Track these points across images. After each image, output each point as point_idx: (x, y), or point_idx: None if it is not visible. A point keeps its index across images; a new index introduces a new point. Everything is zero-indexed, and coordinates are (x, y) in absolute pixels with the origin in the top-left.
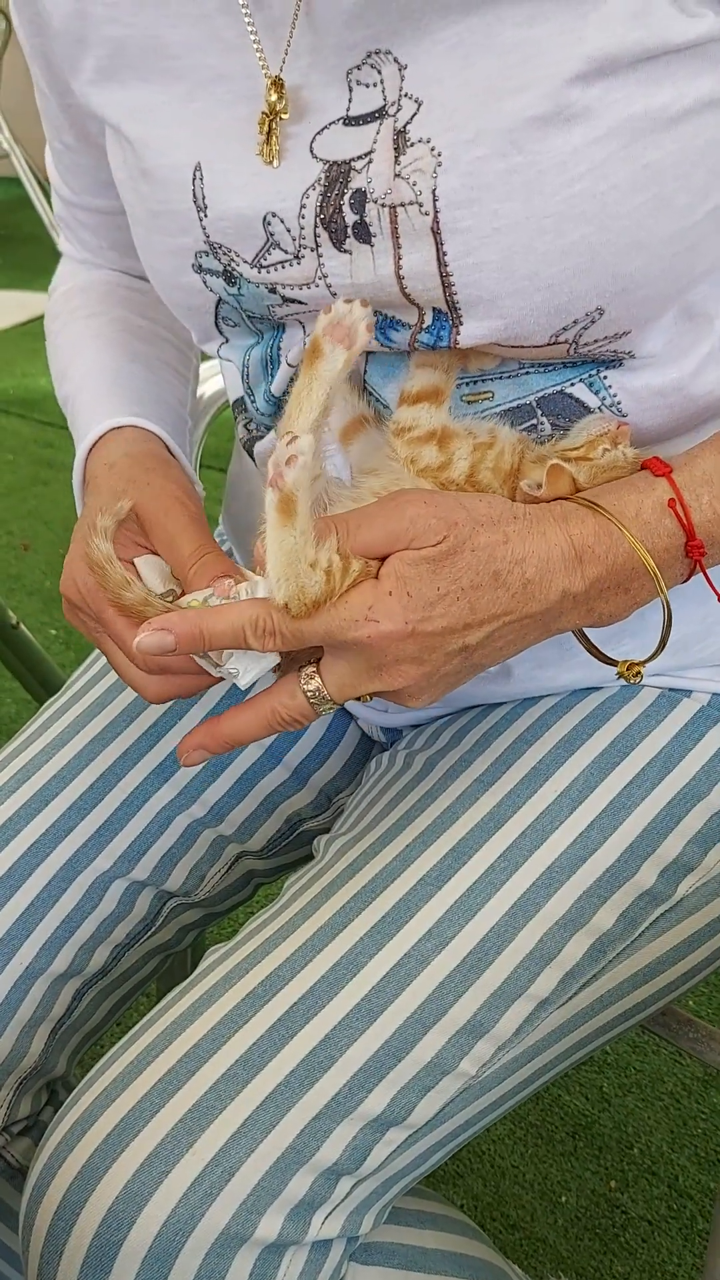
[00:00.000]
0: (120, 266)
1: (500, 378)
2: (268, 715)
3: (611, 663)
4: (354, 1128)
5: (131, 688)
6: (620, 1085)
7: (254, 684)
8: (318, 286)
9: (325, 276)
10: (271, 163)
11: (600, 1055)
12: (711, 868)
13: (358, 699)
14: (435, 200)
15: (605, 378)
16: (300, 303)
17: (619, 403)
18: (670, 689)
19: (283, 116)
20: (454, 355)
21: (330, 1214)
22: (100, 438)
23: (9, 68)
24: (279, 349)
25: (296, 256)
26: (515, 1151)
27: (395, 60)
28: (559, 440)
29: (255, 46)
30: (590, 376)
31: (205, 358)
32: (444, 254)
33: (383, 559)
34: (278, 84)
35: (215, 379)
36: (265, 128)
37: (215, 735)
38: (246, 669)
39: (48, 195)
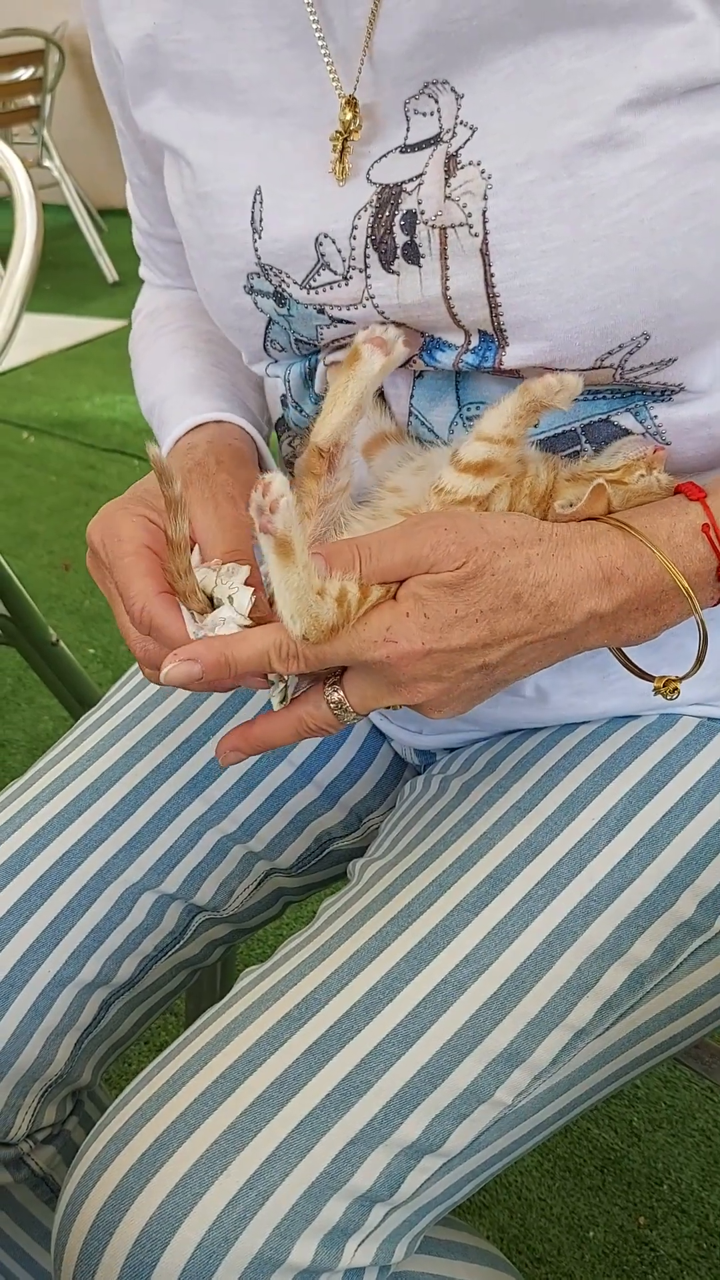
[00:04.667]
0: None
1: None
2: (295, 723)
3: (648, 678)
4: (389, 1154)
5: (135, 654)
6: (651, 1120)
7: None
8: (365, 307)
9: (372, 297)
10: (343, 181)
11: (630, 1089)
12: None
13: (389, 708)
14: (485, 222)
15: (651, 407)
16: (349, 323)
17: (663, 431)
18: (709, 718)
19: (356, 136)
20: (528, 419)
21: (363, 1241)
22: (183, 435)
23: (61, 100)
24: (318, 359)
25: (345, 278)
26: (543, 1184)
27: (452, 90)
28: (591, 458)
29: (330, 70)
30: (637, 406)
31: None
32: (491, 275)
33: (402, 583)
34: (352, 102)
35: None
36: (339, 146)
37: (248, 737)
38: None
39: (96, 223)
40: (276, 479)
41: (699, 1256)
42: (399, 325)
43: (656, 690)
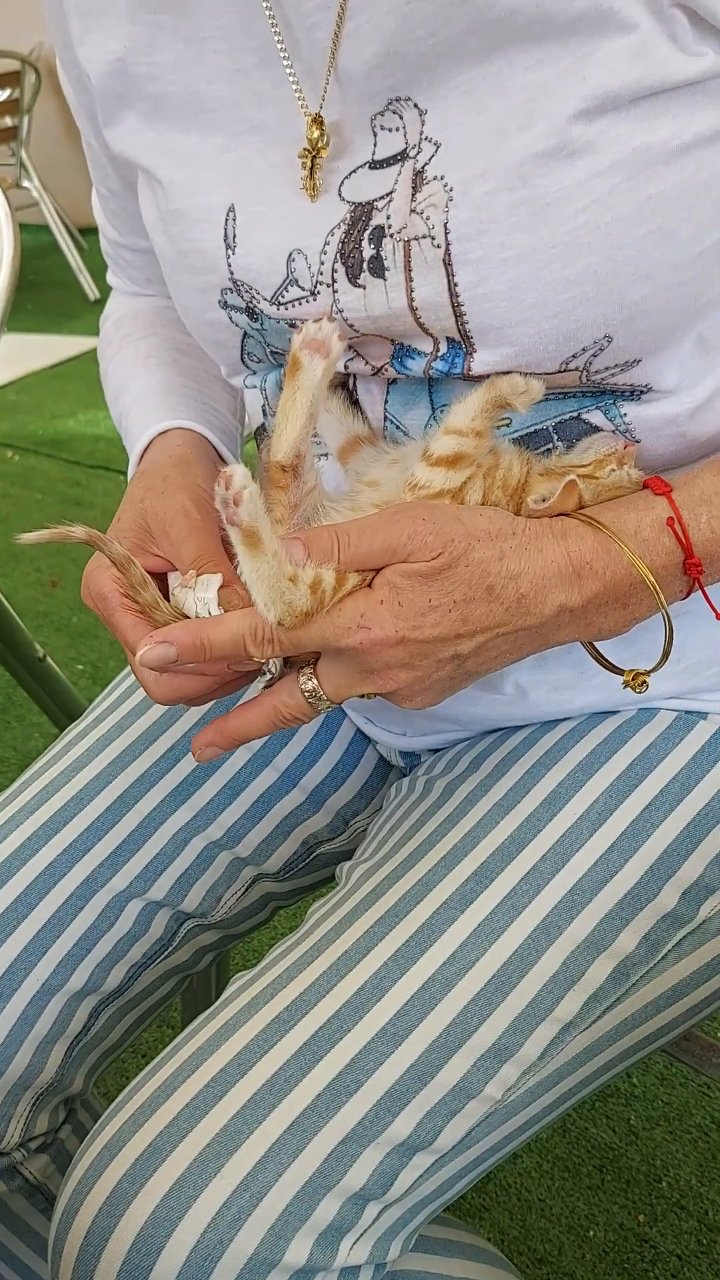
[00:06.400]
0: (166, 295)
1: None
2: (270, 712)
3: (618, 672)
4: (380, 1152)
5: (142, 686)
6: (648, 1118)
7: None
8: (334, 321)
9: (341, 311)
10: (314, 198)
11: (627, 1088)
12: None
13: (362, 697)
14: (447, 233)
15: (620, 405)
16: None
17: (632, 429)
18: (686, 711)
19: (324, 153)
20: (493, 414)
21: (358, 1240)
22: (149, 444)
23: (39, 120)
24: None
25: (313, 293)
26: (542, 1185)
27: (416, 106)
28: (563, 455)
29: (295, 90)
30: (606, 404)
31: None
32: (455, 284)
33: (378, 570)
34: (318, 121)
35: None
36: (308, 164)
37: (224, 731)
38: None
39: (76, 242)
40: (238, 471)
41: (699, 1252)
42: (334, 321)
43: (626, 684)
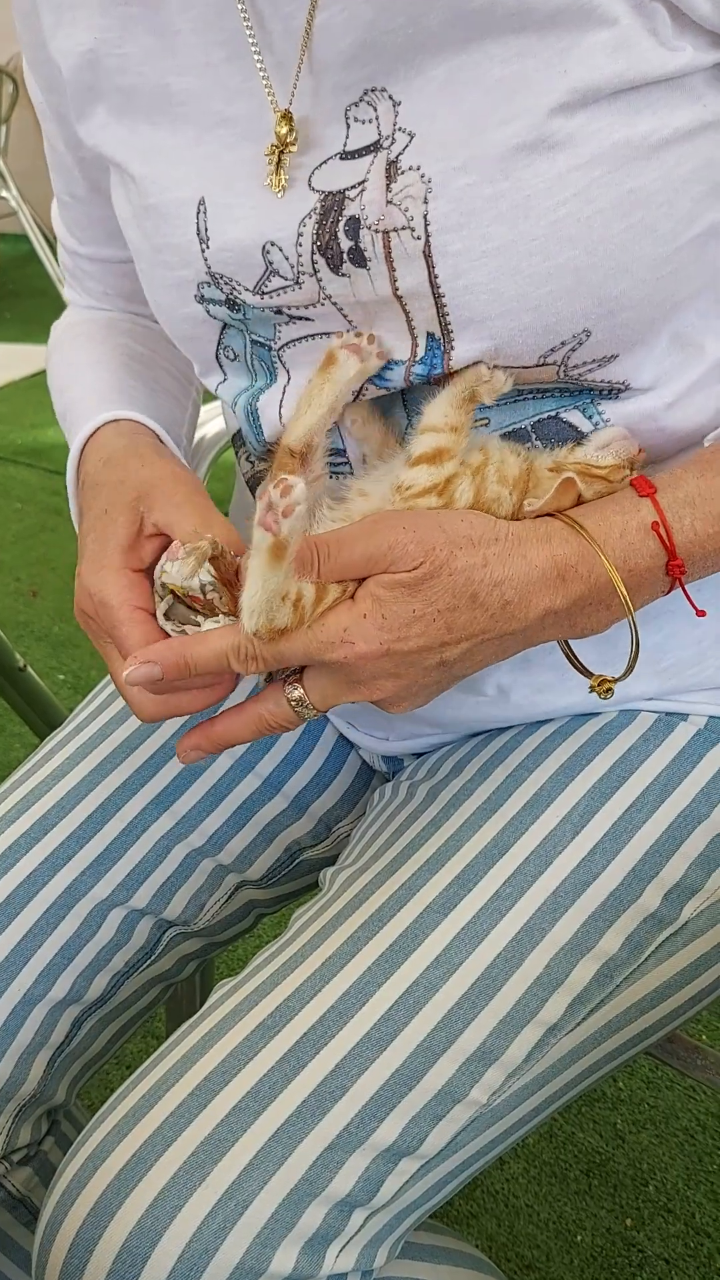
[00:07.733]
0: (126, 310)
1: (496, 404)
2: (255, 720)
3: (587, 674)
4: (366, 1158)
5: (129, 705)
6: (634, 1122)
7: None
8: (324, 305)
9: (329, 297)
10: (279, 193)
11: (614, 1091)
12: (715, 890)
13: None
14: (427, 225)
15: (599, 403)
16: (308, 319)
17: (612, 426)
18: (667, 713)
19: (291, 149)
20: (465, 407)
21: (344, 1247)
22: (93, 435)
23: (16, 129)
24: (261, 395)
25: (296, 282)
26: (529, 1190)
27: (390, 97)
28: (575, 449)
29: (265, 85)
30: (585, 404)
31: (208, 398)
32: (435, 276)
33: (360, 581)
34: (287, 116)
35: (215, 421)
36: (275, 159)
37: (209, 735)
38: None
39: (54, 251)
40: (299, 484)
41: (686, 1255)
42: (370, 335)
43: (592, 689)
